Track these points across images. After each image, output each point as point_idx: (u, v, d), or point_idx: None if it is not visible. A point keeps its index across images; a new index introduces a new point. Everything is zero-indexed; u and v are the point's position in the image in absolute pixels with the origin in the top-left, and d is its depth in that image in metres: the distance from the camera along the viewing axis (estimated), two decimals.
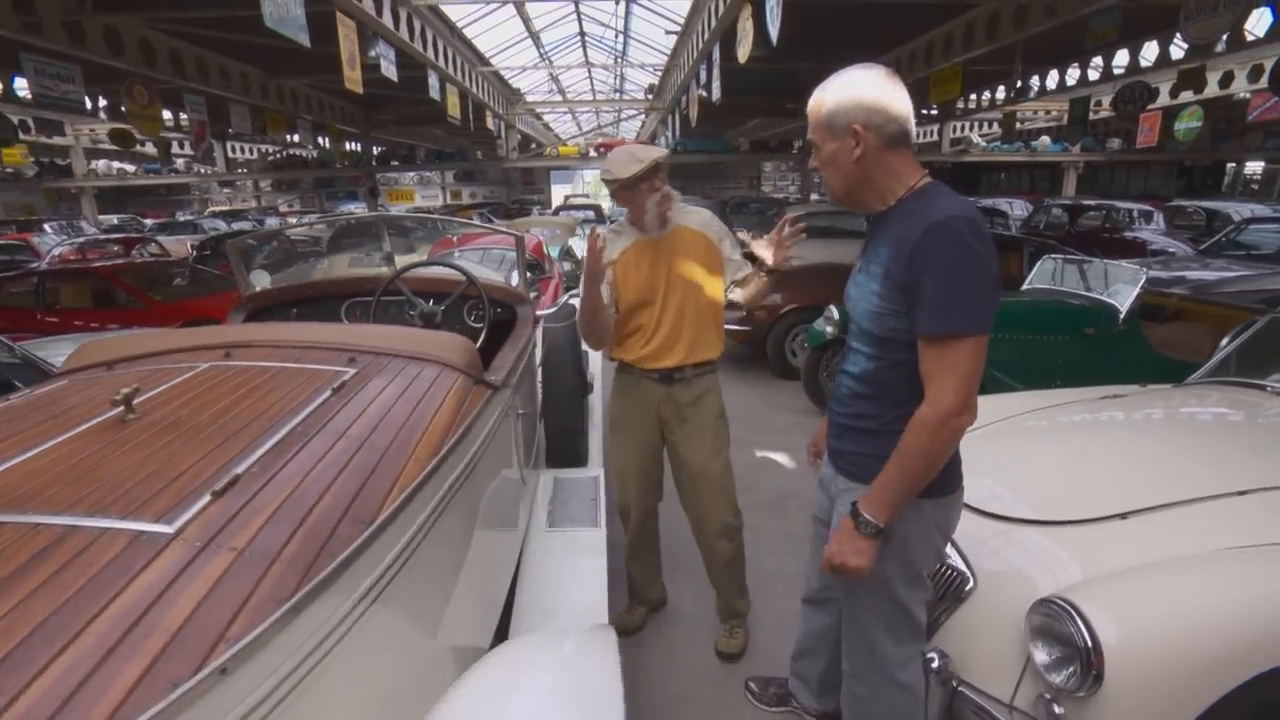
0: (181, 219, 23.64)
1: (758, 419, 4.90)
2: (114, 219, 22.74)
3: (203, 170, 20.64)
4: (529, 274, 3.00)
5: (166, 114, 13.58)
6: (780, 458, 4.20)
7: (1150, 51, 11.09)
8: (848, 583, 1.46)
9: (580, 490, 2.67)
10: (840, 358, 1.51)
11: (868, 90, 1.25)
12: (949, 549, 1.84)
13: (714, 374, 2.19)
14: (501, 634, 1.88)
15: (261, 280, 2.86)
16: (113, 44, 8.78)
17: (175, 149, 19.02)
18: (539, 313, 2.87)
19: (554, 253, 8.61)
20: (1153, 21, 9.06)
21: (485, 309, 2.51)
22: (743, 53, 7.27)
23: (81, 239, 12.60)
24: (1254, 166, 21.82)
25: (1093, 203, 11.38)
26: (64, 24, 8.20)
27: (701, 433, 2.16)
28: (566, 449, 2.97)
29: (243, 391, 1.37)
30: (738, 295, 2.16)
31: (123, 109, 9.96)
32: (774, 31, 6.06)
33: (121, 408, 1.17)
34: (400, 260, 3.06)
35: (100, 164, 20.01)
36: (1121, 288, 3.94)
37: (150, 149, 18.67)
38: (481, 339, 2.49)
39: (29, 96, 9.32)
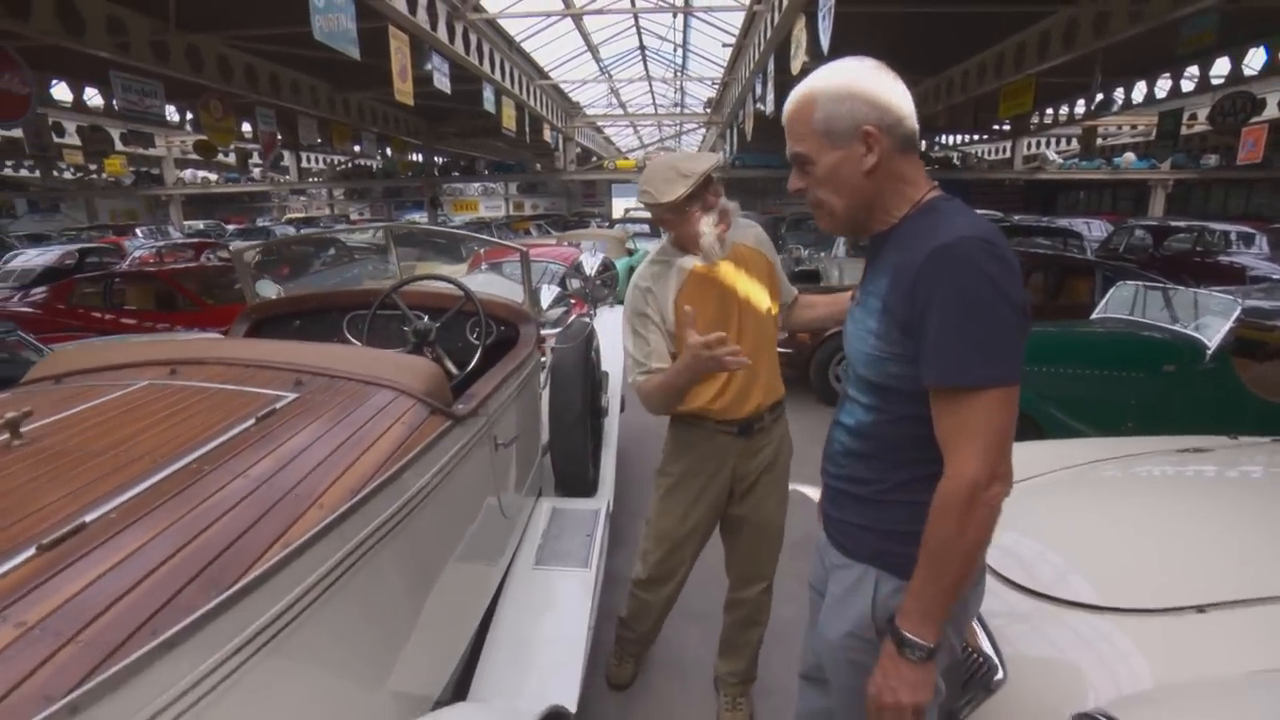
0: (260, 225, 25.13)
1: (795, 450, 4.60)
2: (200, 224, 24.32)
3: (276, 179, 21.76)
4: (564, 290, 2.84)
5: (246, 126, 14.37)
6: (811, 492, 3.89)
7: (1255, 59, 10.16)
8: (844, 686, 1.21)
9: (578, 524, 2.48)
10: (837, 406, 1.27)
11: (873, 83, 1.01)
12: (976, 629, 1.56)
13: (785, 413, 1.90)
14: (465, 680, 1.72)
15: (268, 290, 2.82)
16: (193, 61, 9.30)
17: (255, 159, 20.13)
18: (547, 332, 2.71)
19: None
20: (1258, 25, 8.27)
21: (483, 326, 2.37)
22: (796, 65, 7.02)
23: (161, 243, 13.41)
24: None
25: (1181, 224, 10.47)
26: (150, 43, 8.74)
27: (776, 485, 1.89)
28: (572, 478, 2.80)
29: (162, 416, 1.26)
30: (802, 318, 1.89)
31: (198, 121, 10.49)
32: (825, 41, 5.80)
33: (6, 434, 1.06)
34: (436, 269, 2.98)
35: (187, 173, 21.42)
36: (1210, 320, 3.48)
37: (232, 159, 19.83)
38: (476, 358, 2.35)
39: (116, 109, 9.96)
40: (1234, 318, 3.28)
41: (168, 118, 13.66)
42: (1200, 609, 1.40)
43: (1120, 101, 13.03)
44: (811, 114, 1.03)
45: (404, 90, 6.88)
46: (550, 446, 2.86)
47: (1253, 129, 12.84)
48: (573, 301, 2.92)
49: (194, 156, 17.67)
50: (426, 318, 2.56)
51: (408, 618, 1.38)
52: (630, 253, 10.36)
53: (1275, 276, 7.87)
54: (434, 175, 20.55)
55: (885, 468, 1.09)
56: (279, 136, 14.84)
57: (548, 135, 16.97)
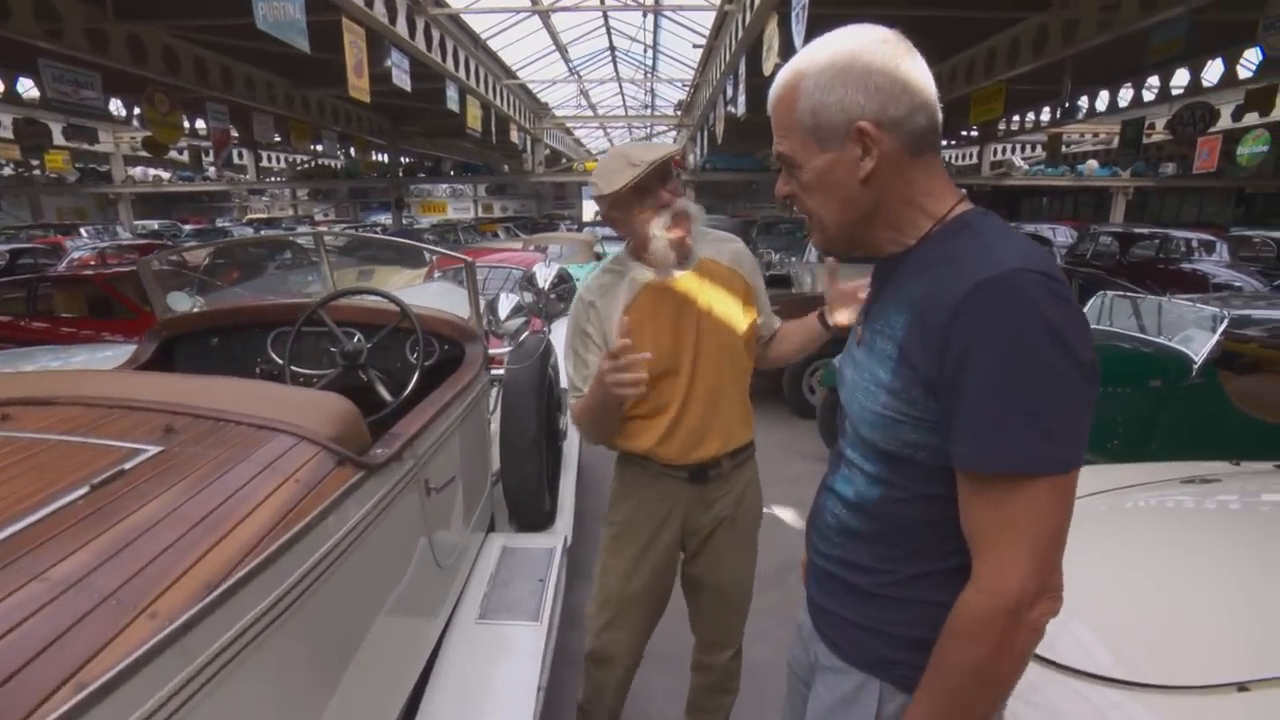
0: (220, 225, 24.19)
1: (767, 466, 4.35)
2: (154, 224, 23.33)
3: (233, 178, 20.98)
4: (526, 301, 2.54)
5: (200, 123, 13.72)
6: (787, 515, 3.70)
7: (1213, 71, 10.37)
8: None
9: (530, 565, 2.23)
10: (829, 465, 1.03)
11: (876, 63, 0.77)
12: None
13: (753, 458, 1.64)
14: None
15: (182, 304, 2.51)
16: (136, 51, 8.76)
17: (211, 157, 19.34)
18: (497, 350, 2.45)
19: (576, 274, 8.21)
20: (1221, 37, 8.40)
21: (421, 346, 2.10)
22: (768, 66, 6.86)
23: (106, 243, 12.71)
24: None
25: (1145, 230, 10.61)
26: (86, 31, 8.20)
27: (741, 541, 1.61)
28: (527, 510, 2.54)
29: None
30: (777, 353, 1.65)
31: (142, 116, 9.92)
32: (799, 42, 5.65)
33: None
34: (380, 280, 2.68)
35: (137, 170, 20.46)
36: (1194, 332, 3.37)
37: (185, 156, 19.03)
38: (414, 382, 2.07)
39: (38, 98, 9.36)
40: (1220, 330, 3.17)
41: (113, 112, 13.02)
42: (1242, 687, 1.21)
43: (1085, 109, 13.22)
44: (795, 104, 0.81)
45: (359, 86, 6.53)
46: (502, 475, 2.60)
47: (1208, 139, 13.11)
48: (528, 317, 2.64)
49: (144, 154, 16.87)
50: (359, 336, 2.28)
51: (307, 711, 1.12)
52: (598, 257, 10.11)
53: (1237, 284, 7.96)
54: (398, 176, 20.01)
55: (894, 557, 0.85)
56: (235, 134, 14.23)
57: (515, 136, 16.61)
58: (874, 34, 0.79)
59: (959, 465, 0.74)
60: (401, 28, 7.87)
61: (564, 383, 3.10)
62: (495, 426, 2.63)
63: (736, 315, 1.49)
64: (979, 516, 0.74)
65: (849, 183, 0.80)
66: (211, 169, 19.59)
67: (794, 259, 10.44)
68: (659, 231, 1.37)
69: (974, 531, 0.75)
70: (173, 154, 19.07)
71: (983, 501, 0.73)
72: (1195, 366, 3.17)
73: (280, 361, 2.33)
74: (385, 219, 24.99)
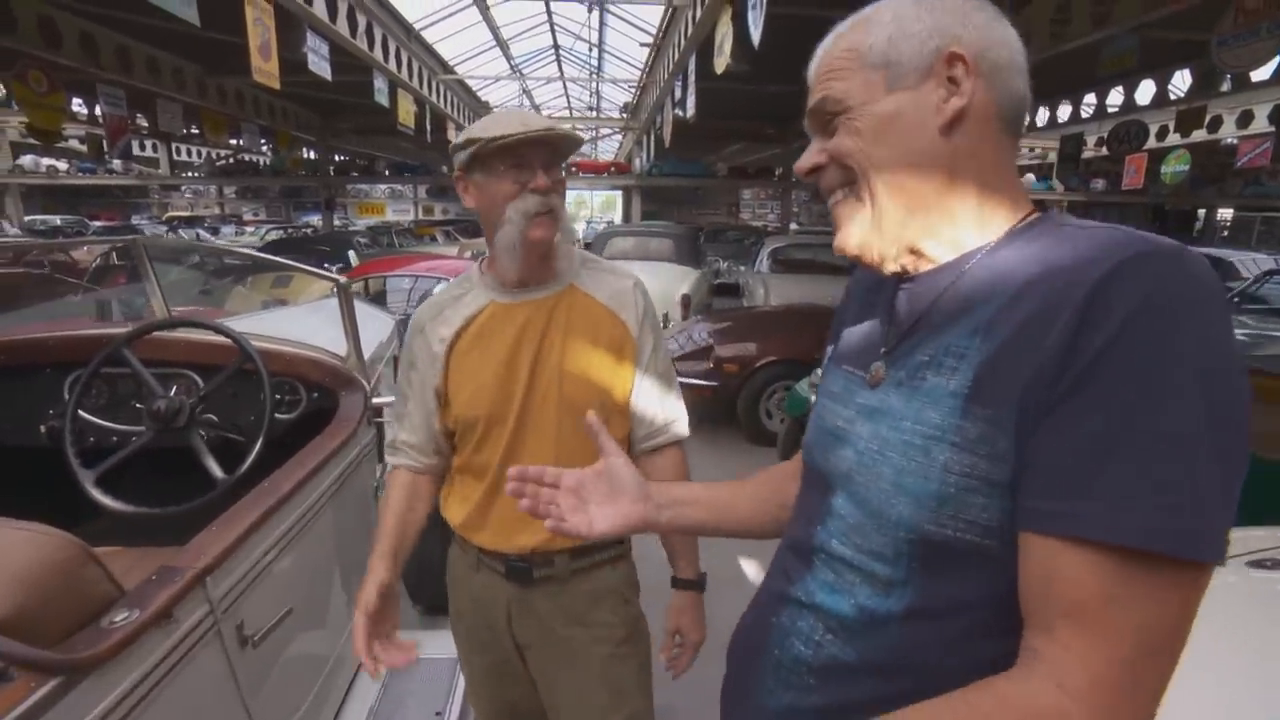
0: (135, 223, 22.27)
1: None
2: (56, 220, 21.29)
3: (142, 171, 19.29)
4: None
5: (97, 109, 12.35)
6: (748, 564, 3.24)
7: (1144, 92, 10.65)
8: None
9: (426, 686, 1.66)
10: (779, 566, 0.71)
11: (975, 2, 0.60)
12: None
13: (623, 561, 1.17)
14: None
15: None
16: (2, 19, 7.64)
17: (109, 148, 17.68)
18: (380, 400, 1.88)
19: None
20: (1153, 58, 8.53)
21: (269, 400, 1.51)
22: (721, 62, 6.45)
23: None
24: (1224, 213, 22.08)
25: None
26: None
27: (587, 673, 1.12)
28: (431, 589, 1.99)
29: None
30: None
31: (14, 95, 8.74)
32: (756, 34, 5.25)
33: None
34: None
35: (27, 159, 18.41)
36: None
37: (86, 146, 17.31)
38: (254, 454, 1.49)
39: None
40: None
41: None
42: None
43: (1026, 123, 13.53)
44: (864, 38, 0.60)
45: (265, 70, 5.76)
46: None
47: (1135, 157, 13.63)
48: None
49: (34, 141, 15.18)
50: (191, 383, 1.68)
51: None
52: None
53: None
54: (328, 174, 18.81)
55: (914, 695, 0.53)
56: (144, 123, 12.94)
57: (452, 134, 15.77)
58: None
59: (1065, 531, 0.46)
60: (320, 9, 7.11)
61: None
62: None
63: (596, 370, 1.07)
64: (1081, 586, 0.46)
65: (924, 130, 0.59)
66: (118, 161, 17.93)
67: (742, 267, 10.10)
68: (516, 215, 1.00)
69: (1065, 606, 0.47)
70: (73, 143, 17.35)
71: (1097, 573, 0.46)
72: None
73: (81, 415, 1.70)
74: (318, 219, 23.62)
